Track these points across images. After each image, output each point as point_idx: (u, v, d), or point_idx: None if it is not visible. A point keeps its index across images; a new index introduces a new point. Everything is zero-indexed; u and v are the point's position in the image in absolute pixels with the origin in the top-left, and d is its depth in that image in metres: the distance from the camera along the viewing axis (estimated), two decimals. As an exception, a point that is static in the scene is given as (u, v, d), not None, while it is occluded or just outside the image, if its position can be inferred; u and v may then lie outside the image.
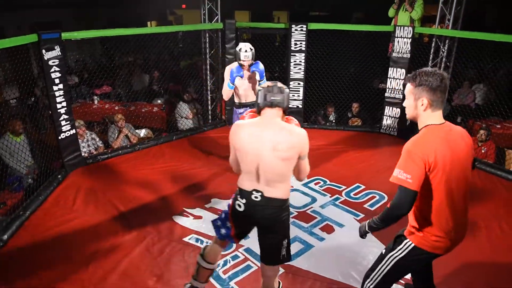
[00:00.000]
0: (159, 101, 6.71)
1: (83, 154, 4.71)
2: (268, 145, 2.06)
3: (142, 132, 5.74)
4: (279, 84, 2.16)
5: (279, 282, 2.45)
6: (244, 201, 2.19)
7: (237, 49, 3.85)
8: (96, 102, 6.50)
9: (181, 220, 3.56)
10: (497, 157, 5.05)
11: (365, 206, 3.84)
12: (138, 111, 6.11)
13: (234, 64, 3.94)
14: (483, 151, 5.05)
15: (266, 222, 2.19)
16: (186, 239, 3.31)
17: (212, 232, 3.34)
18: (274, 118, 2.14)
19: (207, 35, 5.64)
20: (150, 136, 5.74)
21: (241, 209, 2.21)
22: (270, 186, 2.12)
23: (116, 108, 6.29)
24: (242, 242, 3.24)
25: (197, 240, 3.29)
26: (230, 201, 2.33)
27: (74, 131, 4.44)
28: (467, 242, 3.22)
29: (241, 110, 4.05)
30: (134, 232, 3.38)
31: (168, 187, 4.15)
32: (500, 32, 4.47)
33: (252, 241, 3.26)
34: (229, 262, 3.04)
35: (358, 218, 3.63)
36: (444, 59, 5.17)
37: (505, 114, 5.52)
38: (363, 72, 6.01)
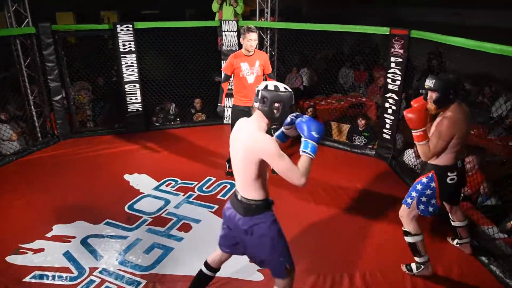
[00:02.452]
0: (-31, 126, 5.59)
1: None
2: None
3: (-49, 166, 4.72)
4: None
5: None
6: (455, 173, 2.69)
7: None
8: None
9: (18, 259, 3.07)
10: (325, 129, 5.79)
11: (218, 197, 3.96)
12: None
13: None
14: (312, 126, 5.73)
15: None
16: (27, 279, 2.87)
17: (58, 263, 3.02)
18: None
19: (17, 41, 4.91)
20: (-37, 168, 4.76)
21: (455, 181, 2.71)
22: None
23: None
24: (96, 264, 3.01)
25: (41, 276, 2.89)
26: (431, 184, 2.71)
27: None
28: (308, 206, 3.70)
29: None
30: (-46, 289, 2.77)
31: (-6, 225, 3.52)
32: (313, 23, 5.09)
33: (106, 260, 3.05)
34: (83, 290, 2.76)
35: (213, 210, 3.72)
36: (269, 48, 5.64)
37: (327, 91, 6.40)
38: (201, 68, 6.13)
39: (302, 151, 2.09)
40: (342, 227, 3.48)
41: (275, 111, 2.08)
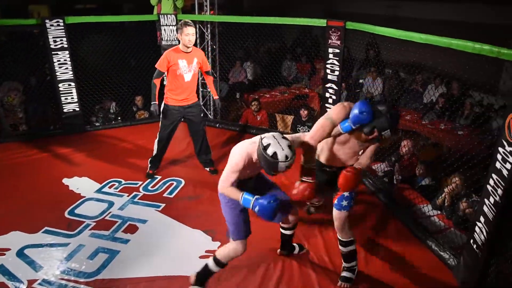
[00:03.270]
0: None
1: None
2: None
3: None
4: None
5: None
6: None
7: None
8: None
9: None
10: (270, 121, 5.87)
11: (165, 195, 3.87)
12: None
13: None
14: (258, 119, 5.78)
15: None
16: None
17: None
18: None
19: None
20: None
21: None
22: None
23: None
24: (35, 276, 2.84)
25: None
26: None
27: None
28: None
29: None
30: None
31: None
32: (256, 16, 5.10)
33: (46, 270, 2.88)
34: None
35: (159, 209, 3.63)
36: (210, 42, 5.58)
37: (270, 84, 6.47)
38: (141, 64, 5.92)
39: (243, 195, 2.33)
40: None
41: (260, 161, 2.27)
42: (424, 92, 6.26)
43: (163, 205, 3.68)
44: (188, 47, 3.79)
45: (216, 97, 4.26)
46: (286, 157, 2.18)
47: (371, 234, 3.32)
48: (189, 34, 3.69)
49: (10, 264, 2.94)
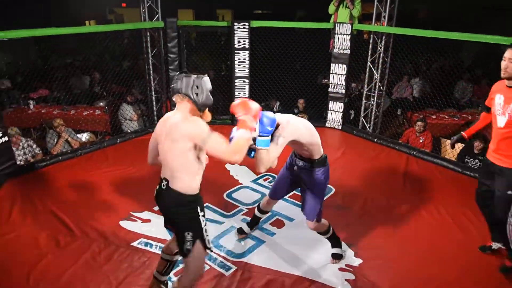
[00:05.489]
0: (101, 104, 6.44)
1: (18, 162, 4.40)
2: (164, 132, 2.19)
3: (84, 136, 5.48)
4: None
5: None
6: (157, 187, 2.31)
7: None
8: (31, 106, 6.10)
9: (129, 225, 3.44)
10: (433, 146, 5.37)
11: (313, 198, 3.93)
12: (78, 115, 5.82)
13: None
14: (421, 141, 5.36)
15: (167, 212, 2.33)
16: (134, 244, 3.20)
17: (161, 235, 3.31)
18: (178, 107, 2.22)
19: (148, 34, 5.48)
20: (93, 140, 5.49)
21: (155, 194, 2.33)
22: (173, 176, 2.21)
23: (55, 112, 5.96)
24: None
25: (146, 244, 3.20)
26: None
27: (6, 138, 4.13)
28: (407, 225, 3.50)
29: None
30: (78, 241, 3.21)
31: (113, 192, 4.00)
32: (431, 29, 4.77)
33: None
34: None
35: (307, 211, 3.70)
36: (382, 55, 5.41)
37: (439, 105, 5.94)
38: (307, 69, 6.16)
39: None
40: (443, 256, 3.19)
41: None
42: None
43: (310, 208, 3.74)
44: (509, 79, 2.62)
45: None
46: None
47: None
48: (506, 58, 2.58)
49: (177, 227, 3.43)
